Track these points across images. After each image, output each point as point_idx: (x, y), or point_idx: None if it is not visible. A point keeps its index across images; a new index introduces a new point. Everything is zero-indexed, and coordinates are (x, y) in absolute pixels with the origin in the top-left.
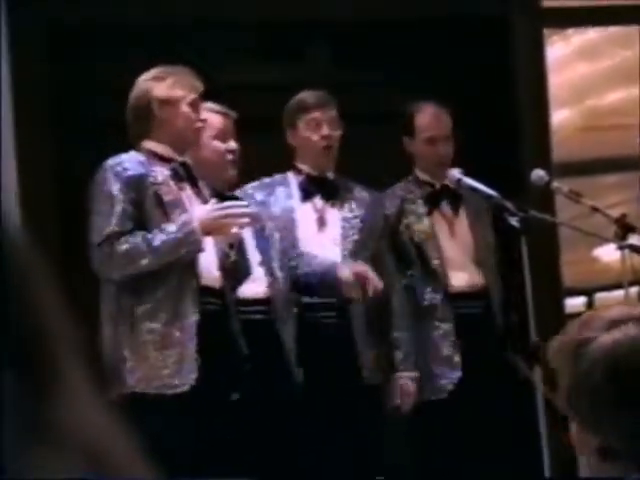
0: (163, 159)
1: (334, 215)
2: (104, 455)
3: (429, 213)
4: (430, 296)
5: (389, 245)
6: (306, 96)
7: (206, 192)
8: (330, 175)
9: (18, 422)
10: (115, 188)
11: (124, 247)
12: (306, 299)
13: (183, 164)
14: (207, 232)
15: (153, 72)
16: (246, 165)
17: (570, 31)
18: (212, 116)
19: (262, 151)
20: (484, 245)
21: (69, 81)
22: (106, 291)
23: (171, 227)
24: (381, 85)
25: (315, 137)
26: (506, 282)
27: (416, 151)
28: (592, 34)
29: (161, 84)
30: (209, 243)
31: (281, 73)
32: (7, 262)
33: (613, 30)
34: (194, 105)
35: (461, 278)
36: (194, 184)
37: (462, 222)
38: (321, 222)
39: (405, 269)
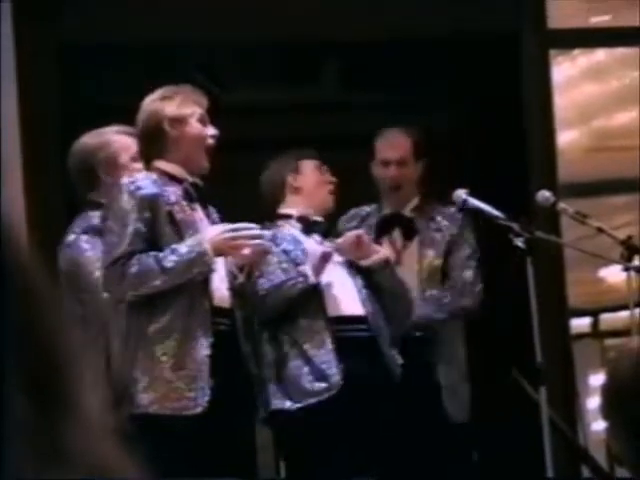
0: (174, 179)
1: None
2: (109, 471)
3: (377, 239)
4: None
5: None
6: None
7: (215, 215)
8: None
9: (29, 448)
10: (129, 207)
11: (135, 268)
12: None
13: (194, 185)
14: (218, 253)
15: (159, 92)
16: (251, 185)
17: (576, 52)
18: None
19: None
20: (429, 276)
21: (74, 99)
22: (115, 309)
23: (182, 248)
24: (384, 106)
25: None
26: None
27: (374, 174)
28: (599, 55)
29: (170, 103)
30: (219, 262)
31: (287, 94)
32: (18, 289)
33: (620, 51)
34: (203, 121)
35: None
36: (204, 205)
37: (411, 254)
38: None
39: None
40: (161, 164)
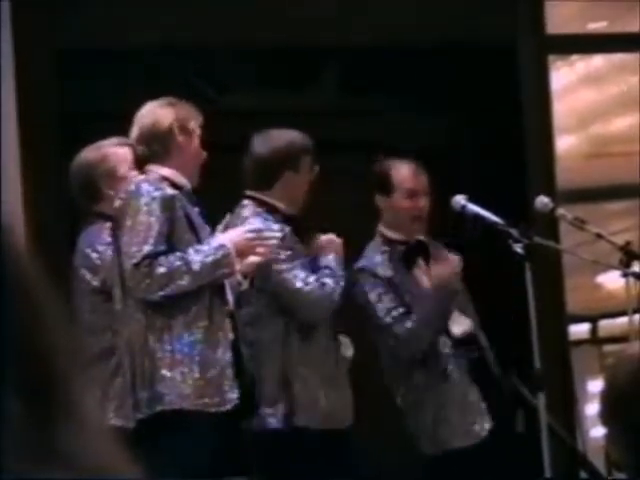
0: (173, 185)
1: None
2: (106, 472)
3: (409, 269)
4: (441, 347)
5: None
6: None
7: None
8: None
9: (25, 449)
10: (150, 208)
11: (162, 269)
12: None
13: (192, 190)
14: (239, 254)
15: (165, 99)
16: None
17: (574, 57)
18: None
19: None
20: (462, 295)
21: (73, 103)
22: (128, 308)
23: (207, 249)
24: (384, 111)
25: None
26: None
27: (393, 207)
28: (597, 61)
29: (179, 110)
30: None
31: (285, 100)
32: (15, 291)
33: (618, 57)
34: (201, 141)
35: (460, 326)
36: (201, 212)
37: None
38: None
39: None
40: (160, 169)
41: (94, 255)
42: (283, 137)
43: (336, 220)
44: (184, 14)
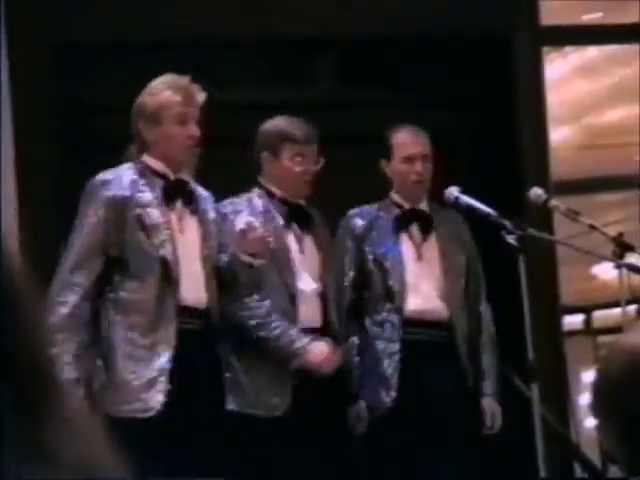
0: (157, 175)
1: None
2: (95, 472)
3: (396, 235)
4: (384, 315)
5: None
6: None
7: (207, 205)
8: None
9: (16, 451)
10: (92, 210)
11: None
12: None
13: (178, 181)
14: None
15: (150, 89)
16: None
17: (568, 49)
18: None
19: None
20: (453, 274)
21: (70, 100)
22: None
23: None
24: (381, 104)
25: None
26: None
27: (393, 172)
28: (591, 52)
29: (162, 100)
30: (197, 263)
31: (283, 92)
32: (4, 287)
33: (612, 48)
34: (182, 121)
35: (419, 303)
36: (188, 201)
37: (431, 247)
38: (301, 249)
39: (365, 287)
40: (146, 159)
41: None
42: (270, 122)
43: (334, 214)
44: (182, 8)
